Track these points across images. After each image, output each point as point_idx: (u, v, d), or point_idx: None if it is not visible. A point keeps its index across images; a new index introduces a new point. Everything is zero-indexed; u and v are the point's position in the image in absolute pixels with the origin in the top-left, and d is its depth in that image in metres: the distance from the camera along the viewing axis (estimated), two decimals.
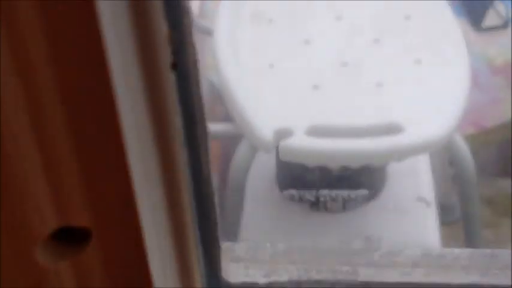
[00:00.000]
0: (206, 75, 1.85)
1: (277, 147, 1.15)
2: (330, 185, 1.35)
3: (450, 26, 1.30)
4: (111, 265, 0.31)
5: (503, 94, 1.72)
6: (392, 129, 1.14)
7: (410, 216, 1.36)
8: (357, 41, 1.28)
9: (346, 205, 1.36)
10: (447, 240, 1.56)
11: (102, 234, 0.30)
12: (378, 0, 1.33)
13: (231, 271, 0.35)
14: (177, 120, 0.27)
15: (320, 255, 0.43)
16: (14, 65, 0.26)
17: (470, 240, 1.37)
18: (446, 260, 0.44)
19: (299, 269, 0.42)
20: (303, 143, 1.13)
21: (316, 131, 1.14)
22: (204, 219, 0.30)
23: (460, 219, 1.40)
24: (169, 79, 0.25)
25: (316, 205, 1.37)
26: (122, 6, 0.24)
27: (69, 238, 0.31)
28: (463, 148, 1.25)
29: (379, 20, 1.30)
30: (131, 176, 0.28)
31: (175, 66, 0.25)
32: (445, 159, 1.52)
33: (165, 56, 0.25)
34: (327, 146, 1.13)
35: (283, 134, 1.14)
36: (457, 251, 0.44)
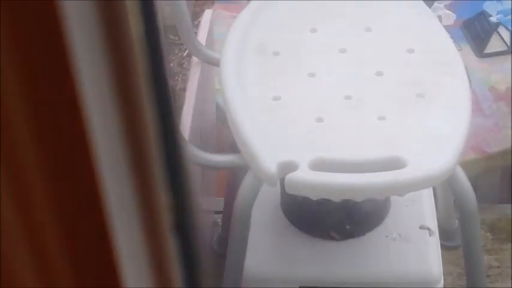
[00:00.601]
0: (215, 99, 1.88)
1: (281, 179, 1.17)
2: (333, 213, 1.37)
3: (452, 59, 1.32)
4: None
5: (505, 120, 1.74)
6: (395, 163, 1.16)
7: (413, 244, 1.38)
8: (360, 74, 1.30)
9: (349, 234, 1.38)
10: (448, 266, 1.58)
11: None
12: (381, 33, 1.36)
13: None
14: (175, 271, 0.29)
15: None
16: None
17: (471, 267, 1.38)
18: None
19: None
20: (307, 178, 1.15)
21: (319, 165, 1.17)
22: None
23: (462, 246, 1.42)
24: (170, 241, 0.28)
25: (320, 233, 1.39)
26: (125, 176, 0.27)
27: None
28: (463, 179, 1.27)
29: (382, 53, 1.33)
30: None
31: (176, 229, 0.28)
32: (447, 184, 1.54)
33: (166, 220, 0.27)
34: (330, 181, 1.15)
35: (287, 167, 1.16)
36: None
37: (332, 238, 1.39)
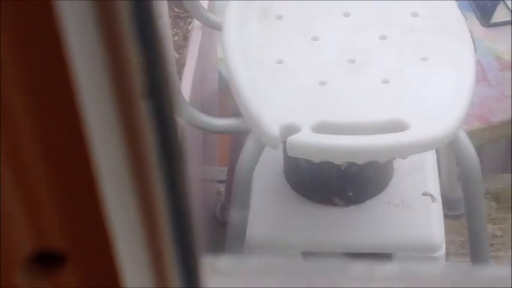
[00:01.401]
0: (217, 68, 1.87)
1: (284, 143, 1.17)
2: (336, 179, 1.37)
3: (457, 23, 1.30)
4: (88, 286, 0.32)
5: (511, 90, 1.73)
6: (398, 126, 1.15)
7: (415, 211, 1.37)
8: (364, 38, 1.29)
9: (352, 200, 1.38)
10: (452, 234, 1.57)
11: (78, 255, 0.31)
12: None
13: (212, 285, 0.36)
14: (152, 149, 0.28)
15: (306, 271, 0.44)
16: None
17: (474, 235, 1.38)
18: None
19: (282, 284, 0.43)
20: (309, 140, 1.15)
21: (322, 128, 1.16)
22: (182, 237, 0.32)
23: (465, 214, 1.41)
24: (142, 108, 0.26)
25: (322, 199, 1.38)
26: (93, 35, 0.25)
27: (47, 260, 0.32)
28: (468, 145, 1.26)
29: (386, 16, 1.31)
30: (105, 200, 0.29)
31: (148, 94, 0.26)
32: (451, 153, 1.53)
33: (137, 84, 0.26)
34: (333, 143, 1.15)
35: (289, 129, 1.15)
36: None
37: (334, 204, 1.38)
